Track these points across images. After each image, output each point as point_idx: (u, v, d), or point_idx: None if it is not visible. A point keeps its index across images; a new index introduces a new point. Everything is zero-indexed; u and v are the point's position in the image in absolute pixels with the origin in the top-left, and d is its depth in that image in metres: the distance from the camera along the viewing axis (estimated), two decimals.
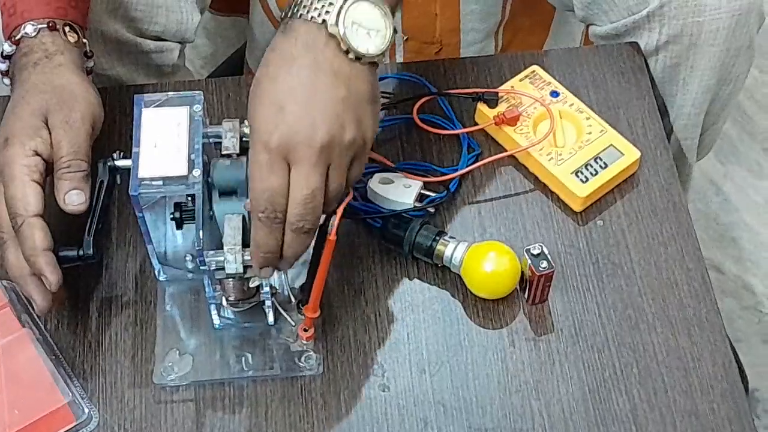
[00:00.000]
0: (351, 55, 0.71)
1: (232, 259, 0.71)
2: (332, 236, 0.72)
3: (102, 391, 0.77)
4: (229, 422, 0.76)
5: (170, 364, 0.77)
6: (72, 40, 0.81)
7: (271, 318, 0.78)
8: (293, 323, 0.78)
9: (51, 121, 0.76)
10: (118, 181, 0.79)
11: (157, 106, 0.74)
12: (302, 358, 0.78)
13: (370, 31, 0.72)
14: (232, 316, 0.79)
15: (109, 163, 0.77)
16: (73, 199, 0.74)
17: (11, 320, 0.77)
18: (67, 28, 0.81)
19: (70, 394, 0.75)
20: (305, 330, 0.77)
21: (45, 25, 0.79)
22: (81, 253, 0.76)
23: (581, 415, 0.76)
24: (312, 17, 0.70)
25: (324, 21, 0.70)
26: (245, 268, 0.72)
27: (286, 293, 0.79)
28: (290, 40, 0.71)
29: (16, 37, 0.79)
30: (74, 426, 0.74)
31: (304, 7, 0.71)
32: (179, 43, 1.00)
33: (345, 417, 0.76)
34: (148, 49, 0.98)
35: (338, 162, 0.70)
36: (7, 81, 0.82)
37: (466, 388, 0.78)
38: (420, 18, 1.07)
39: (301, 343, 0.78)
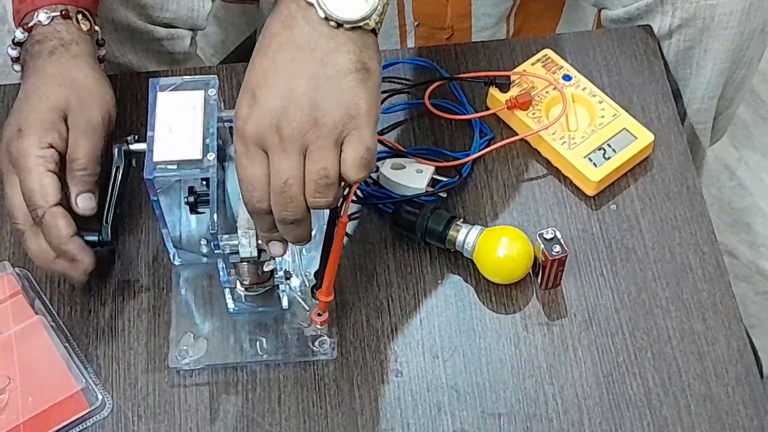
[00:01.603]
0: (332, 23, 0.65)
1: (246, 243, 0.71)
2: (344, 219, 0.72)
3: (115, 377, 0.77)
4: (243, 407, 0.76)
5: (185, 348, 0.77)
6: (85, 28, 0.80)
7: (285, 302, 0.78)
8: (307, 308, 0.78)
9: (70, 120, 0.76)
10: (133, 164, 0.79)
11: (172, 90, 0.74)
12: (316, 343, 0.78)
13: None
14: (246, 301, 0.79)
15: (123, 148, 0.77)
16: (86, 203, 0.75)
17: (24, 307, 0.77)
18: (79, 16, 0.80)
19: (84, 381, 0.75)
20: (319, 314, 0.77)
21: (58, 13, 0.79)
22: (101, 238, 0.76)
23: (595, 400, 0.76)
24: None
25: None
26: (259, 251, 0.72)
27: (300, 278, 0.79)
28: (272, 20, 0.67)
29: (29, 24, 0.78)
30: (88, 412, 0.75)
31: None
32: (190, 30, 1.00)
33: (358, 402, 0.76)
34: (159, 37, 0.97)
35: (318, 144, 0.64)
36: (17, 67, 0.82)
37: (480, 373, 0.77)
38: (431, 3, 1.07)
39: (315, 327, 0.78)
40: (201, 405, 0.76)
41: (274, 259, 0.73)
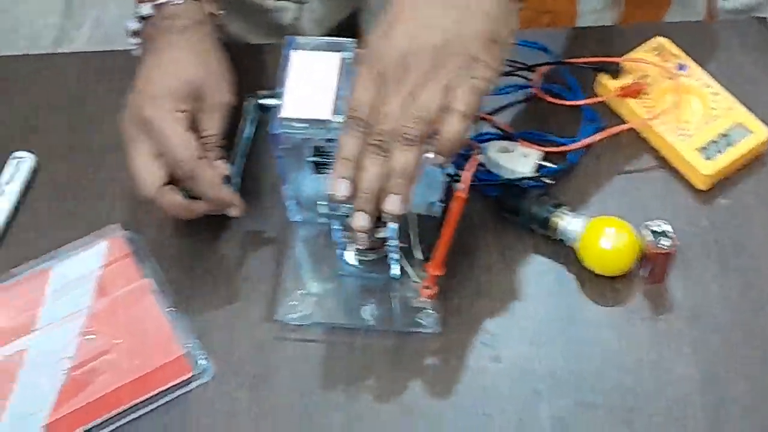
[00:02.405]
0: None
1: None
2: (462, 193, 0.71)
3: (218, 343, 0.78)
4: (342, 373, 0.76)
5: (294, 303, 0.78)
6: (212, 11, 0.82)
7: (395, 271, 0.78)
8: (417, 279, 0.78)
9: (204, 100, 0.79)
10: (264, 120, 0.80)
11: (308, 49, 0.74)
12: (422, 315, 0.78)
13: None
14: (357, 265, 0.79)
15: (255, 102, 0.78)
16: (223, 167, 0.79)
17: (133, 270, 0.79)
18: None
19: (188, 346, 0.76)
20: (427, 288, 0.76)
21: None
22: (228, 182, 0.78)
23: (697, 398, 0.74)
24: None
25: None
26: (378, 219, 0.71)
27: (412, 248, 0.79)
28: None
29: (159, 2, 0.80)
30: (190, 377, 0.76)
31: None
32: (298, 2, 1.01)
33: (454, 384, 0.76)
34: (267, 8, 0.98)
35: (429, 86, 0.67)
36: (134, 40, 0.83)
37: (579, 363, 0.76)
38: None
39: (421, 300, 0.77)
40: (300, 373, 0.76)
41: (387, 225, 0.73)
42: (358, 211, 0.70)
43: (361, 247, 0.77)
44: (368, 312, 0.78)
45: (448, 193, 0.74)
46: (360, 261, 0.79)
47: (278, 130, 0.72)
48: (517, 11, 0.71)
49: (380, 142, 0.68)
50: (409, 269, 0.79)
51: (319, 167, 0.75)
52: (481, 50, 0.68)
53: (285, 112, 0.72)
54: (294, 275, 0.80)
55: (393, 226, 0.73)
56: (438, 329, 0.77)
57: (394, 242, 0.75)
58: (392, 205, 0.69)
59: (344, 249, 0.77)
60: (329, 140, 0.73)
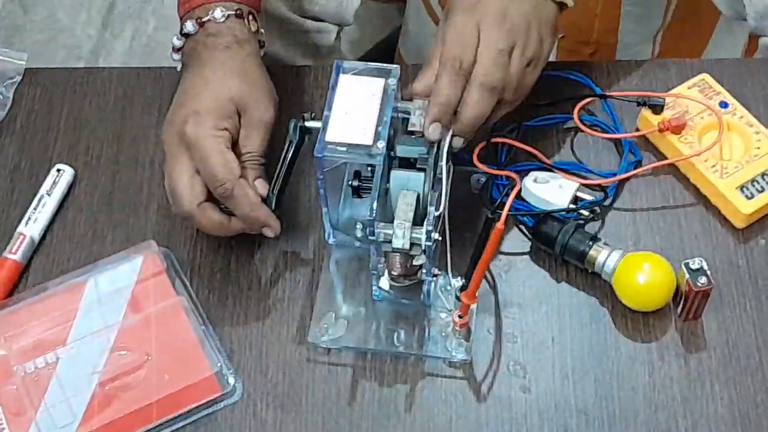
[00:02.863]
0: None
1: (400, 234, 0.71)
2: (500, 225, 0.71)
3: (247, 363, 0.78)
4: (370, 395, 0.76)
5: (325, 325, 0.78)
6: (254, 29, 0.83)
7: (429, 299, 0.78)
8: (449, 307, 0.78)
9: (246, 117, 0.79)
10: (306, 141, 0.80)
11: (354, 73, 0.75)
12: (453, 344, 0.77)
13: None
14: (390, 290, 0.79)
15: (299, 123, 0.78)
16: (263, 185, 0.79)
17: (166, 287, 0.79)
18: (250, 17, 0.82)
19: (218, 365, 0.76)
20: (460, 316, 0.76)
21: (233, 12, 0.81)
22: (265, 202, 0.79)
23: None
24: None
25: None
26: (411, 245, 0.72)
27: (446, 277, 0.78)
28: None
29: (203, 19, 0.81)
30: (219, 396, 0.76)
31: None
32: (337, 25, 1.01)
33: (484, 413, 0.75)
34: (307, 29, 0.99)
35: (521, 50, 0.77)
36: (177, 56, 0.84)
37: (610, 398, 0.76)
38: (579, 16, 1.05)
39: (454, 329, 0.77)
40: (330, 396, 0.76)
41: (425, 254, 0.73)
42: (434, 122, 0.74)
43: (395, 273, 0.77)
44: (399, 338, 0.78)
45: (487, 225, 0.74)
46: (393, 287, 0.79)
47: (321, 153, 0.72)
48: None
49: (495, 80, 0.76)
50: (442, 297, 0.79)
51: (359, 191, 0.76)
52: (549, 38, 0.80)
53: (329, 136, 0.72)
54: (327, 298, 0.80)
55: (427, 258, 0.73)
56: (468, 358, 0.77)
57: (429, 269, 0.75)
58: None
59: (379, 273, 0.77)
60: (369, 165, 0.73)
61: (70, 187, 0.87)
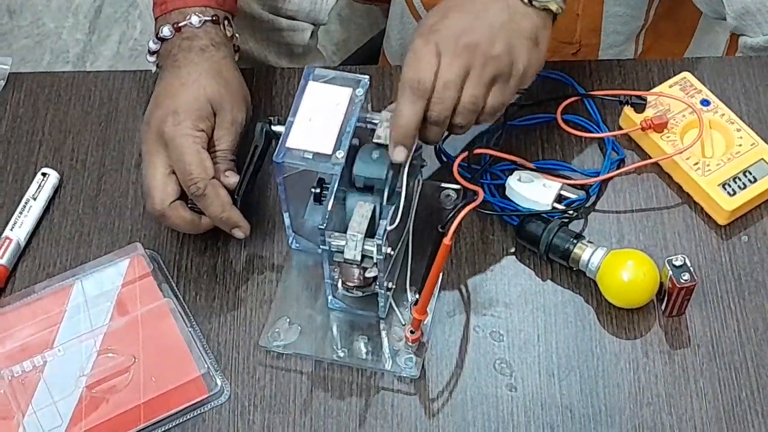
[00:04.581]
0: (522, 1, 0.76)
1: (352, 246, 0.72)
2: (447, 241, 0.70)
3: (234, 364, 0.78)
4: (356, 405, 0.76)
5: (278, 330, 0.78)
6: (228, 34, 0.84)
7: (383, 312, 0.78)
8: (403, 322, 0.78)
9: (220, 117, 0.80)
10: (272, 145, 0.80)
11: (323, 81, 0.75)
12: (403, 359, 0.77)
13: None
14: (345, 300, 0.79)
15: (266, 128, 0.79)
16: (233, 178, 0.80)
17: (153, 290, 0.79)
18: (226, 22, 0.84)
19: (205, 366, 0.76)
20: (412, 332, 0.76)
21: (210, 18, 0.82)
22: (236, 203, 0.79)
23: None
24: None
25: None
26: (363, 257, 0.72)
27: (404, 291, 0.78)
28: None
29: (179, 25, 0.81)
30: (206, 398, 0.76)
31: None
32: (312, 24, 1.02)
33: (470, 412, 0.76)
34: (280, 27, 0.99)
35: (479, 71, 0.74)
36: (152, 59, 0.85)
37: (596, 396, 0.76)
38: (562, 16, 1.06)
39: (405, 343, 0.77)
40: (318, 397, 0.76)
41: (377, 266, 0.73)
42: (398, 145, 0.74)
43: (350, 284, 0.76)
44: (351, 348, 0.78)
45: (437, 241, 0.72)
46: (347, 297, 0.78)
47: (281, 159, 0.73)
48: (551, 25, 0.79)
49: (443, 108, 0.74)
50: (397, 311, 0.78)
51: (320, 198, 0.76)
52: (524, 48, 0.76)
53: (290, 142, 0.73)
54: (283, 303, 0.80)
55: (378, 270, 0.73)
56: (416, 375, 0.77)
57: (382, 281, 0.75)
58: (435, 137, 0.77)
59: (333, 283, 0.77)
60: (329, 173, 0.73)
61: (56, 191, 0.87)
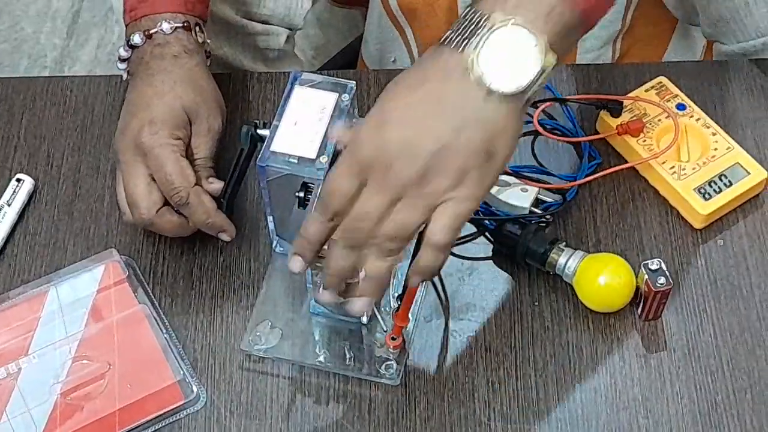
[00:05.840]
0: (481, 89, 0.62)
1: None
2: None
3: (211, 371, 0.77)
4: (333, 412, 0.76)
5: (259, 334, 0.78)
6: (200, 40, 0.83)
7: (364, 318, 0.78)
8: (385, 329, 0.78)
9: (197, 125, 0.80)
10: (258, 148, 0.80)
11: (309, 86, 0.75)
12: (383, 366, 0.77)
13: (514, 62, 0.62)
14: (327, 306, 0.78)
15: (251, 131, 0.78)
16: (216, 184, 0.80)
17: (128, 296, 0.79)
18: (197, 28, 0.83)
19: (181, 373, 0.76)
20: (393, 338, 0.76)
21: (181, 25, 0.81)
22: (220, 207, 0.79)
23: None
24: (456, 43, 0.63)
25: (464, 47, 0.63)
26: None
27: (386, 297, 0.78)
28: (431, 61, 0.65)
29: (150, 32, 0.81)
30: (182, 404, 0.75)
31: (455, 31, 0.64)
32: (287, 28, 1.01)
33: (447, 417, 0.76)
34: (254, 32, 0.99)
35: (411, 203, 0.64)
36: (122, 66, 0.84)
37: (573, 400, 0.76)
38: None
39: (387, 350, 0.77)
40: (295, 403, 0.76)
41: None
42: (325, 289, 0.68)
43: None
44: (332, 354, 0.77)
45: (418, 247, 0.69)
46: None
47: (265, 163, 0.73)
48: (523, 110, 0.65)
49: (353, 239, 0.65)
50: (379, 317, 0.78)
51: (304, 202, 0.75)
52: (475, 166, 0.63)
53: (275, 146, 0.72)
54: (265, 306, 0.79)
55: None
56: (396, 382, 0.76)
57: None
58: (360, 307, 0.67)
59: (313, 287, 0.76)
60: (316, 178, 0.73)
61: (31, 197, 0.86)
